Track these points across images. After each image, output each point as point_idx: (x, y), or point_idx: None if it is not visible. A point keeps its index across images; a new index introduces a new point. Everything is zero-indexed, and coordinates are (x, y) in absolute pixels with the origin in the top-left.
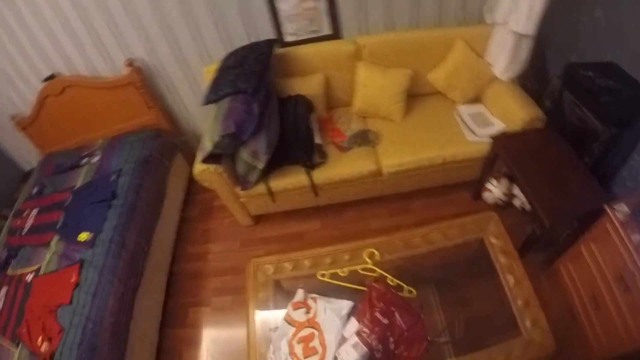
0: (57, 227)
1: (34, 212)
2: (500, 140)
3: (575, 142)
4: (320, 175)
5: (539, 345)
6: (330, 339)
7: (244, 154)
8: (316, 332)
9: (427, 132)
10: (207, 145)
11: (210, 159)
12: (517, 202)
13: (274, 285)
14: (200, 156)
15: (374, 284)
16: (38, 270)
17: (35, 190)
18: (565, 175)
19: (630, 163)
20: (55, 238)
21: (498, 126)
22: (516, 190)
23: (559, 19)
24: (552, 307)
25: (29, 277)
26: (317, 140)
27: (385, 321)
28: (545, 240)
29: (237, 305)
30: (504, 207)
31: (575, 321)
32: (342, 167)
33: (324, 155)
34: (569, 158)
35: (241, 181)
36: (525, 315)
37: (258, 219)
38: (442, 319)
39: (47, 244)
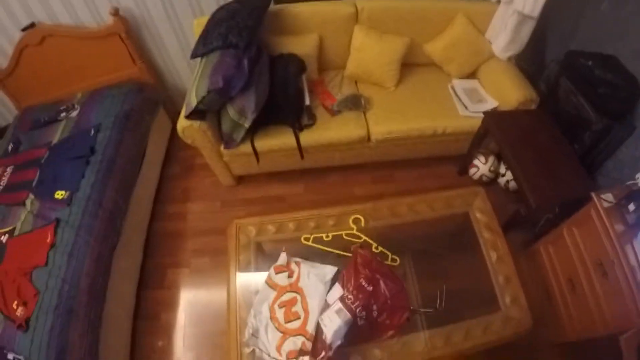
0: (33, 185)
1: (9, 169)
2: (492, 117)
3: (566, 128)
4: (308, 137)
5: (517, 322)
6: (313, 305)
7: (231, 111)
8: (299, 297)
9: (419, 103)
10: (192, 101)
11: (195, 114)
12: (501, 181)
13: (255, 247)
14: (184, 112)
15: (359, 250)
16: (13, 231)
17: (10, 146)
18: (554, 159)
19: (617, 155)
20: (31, 197)
21: (491, 103)
22: (502, 169)
23: (563, 5)
24: (528, 287)
25: (4, 239)
26: (307, 101)
27: (369, 288)
28: (528, 220)
29: (217, 267)
30: (488, 184)
31: (550, 302)
32: (330, 131)
33: (312, 118)
34: (559, 143)
35: (226, 139)
36: (506, 291)
37: (240, 180)
38: (421, 289)
39: (22, 203)
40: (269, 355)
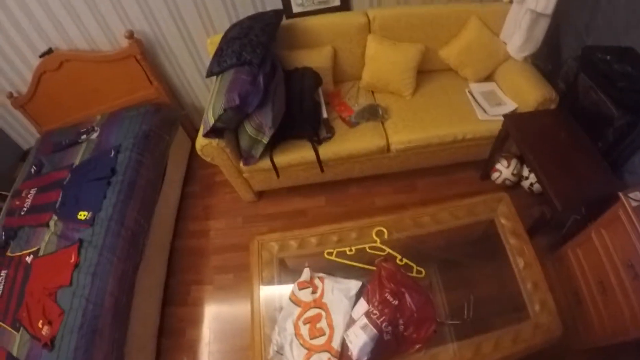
0: (56, 206)
1: (33, 191)
2: (512, 120)
3: (588, 126)
4: (327, 150)
5: (546, 329)
6: (338, 320)
7: (248, 128)
8: (323, 313)
9: (437, 109)
10: (209, 119)
11: (213, 133)
12: (525, 184)
13: (278, 263)
14: (202, 130)
15: (383, 263)
16: (37, 251)
17: (33, 169)
18: (578, 159)
19: None
20: (54, 218)
21: (510, 105)
22: (525, 172)
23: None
24: (557, 292)
25: (29, 259)
26: (324, 114)
27: (395, 302)
28: (554, 223)
29: (240, 283)
30: (512, 188)
31: (580, 306)
32: (349, 143)
33: (331, 130)
34: (582, 142)
35: (245, 156)
36: (534, 298)
37: (260, 195)
38: (448, 300)
39: (46, 224)
40: None
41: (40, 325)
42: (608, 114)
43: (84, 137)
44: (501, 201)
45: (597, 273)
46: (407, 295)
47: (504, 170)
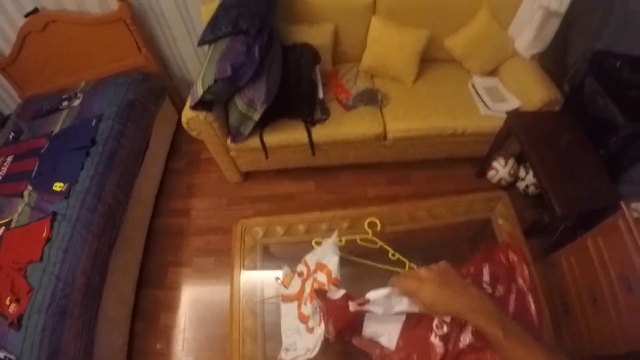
0: (32, 175)
1: (9, 159)
2: (515, 117)
3: (590, 132)
4: (321, 133)
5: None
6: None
7: (239, 102)
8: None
9: (438, 100)
10: (198, 90)
11: (201, 105)
12: (520, 185)
13: (262, 250)
14: (190, 102)
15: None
16: (9, 223)
17: (11, 135)
18: (579, 165)
19: None
20: (29, 188)
21: (513, 103)
22: (522, 173)
23: (591, 1)
24: (546, 298)
25: (0, 231)
26: (320, 95)
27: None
28: (548, 228)
29: (220, 268)
30: (506, 188)
31: (568, 314)
32: (344, 127)
33: (326, 112)
34: (583, 147)
35: (233, 133)
36: None
37: (247, 176)
38: None
39: (20, 194)
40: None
41: (7, 302)
42: (613, 122)
43: (65, 103)
44: (500, 200)
45: (590, 283)
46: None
47: (500, 169)
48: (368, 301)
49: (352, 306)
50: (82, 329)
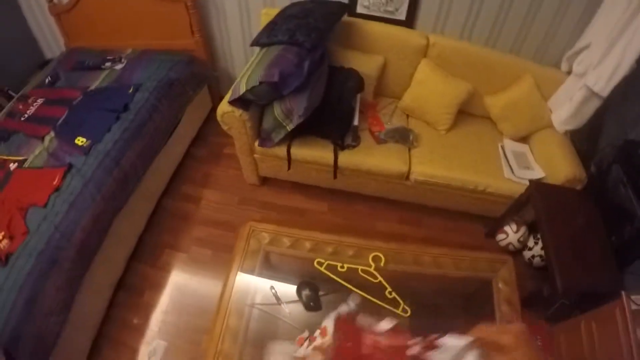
0: (57, 123)
1: (40, 101)
2: (537, 187)
3: (607, 216)
4: (347, 158)
5: None
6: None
7: (277, 110)
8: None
9: (467, 153)
10: (241, 87)
11: (239, 102)
12: (527, 254)
13: (264, 256)
14: (229, 96)
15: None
16: (23, 162)
17: (48, 79)
18: (589, 246)
19: None
20: (51, 134)
21: (538, 172)
22: (531, 242)
23: (632, 91)
24: None
25: (12, 166)
26: (356, 121)
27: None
28: (546, 301)
29: (216, 263)
30: (512, 254)
31: None
32: (371, 158)
33: (357, 139)
34: (597, 230)
35: (263, 137)
36: None
37: (264, 181)
38: None
39: (41, 138)
40: None
41: (0, 237)
42: (631, 211)
43: (108, 64)
44: (505, 264)
45: None
46: None
47: (511, 234)
48: (436, 347)
49: (414, 349)
50: (67, 284)
